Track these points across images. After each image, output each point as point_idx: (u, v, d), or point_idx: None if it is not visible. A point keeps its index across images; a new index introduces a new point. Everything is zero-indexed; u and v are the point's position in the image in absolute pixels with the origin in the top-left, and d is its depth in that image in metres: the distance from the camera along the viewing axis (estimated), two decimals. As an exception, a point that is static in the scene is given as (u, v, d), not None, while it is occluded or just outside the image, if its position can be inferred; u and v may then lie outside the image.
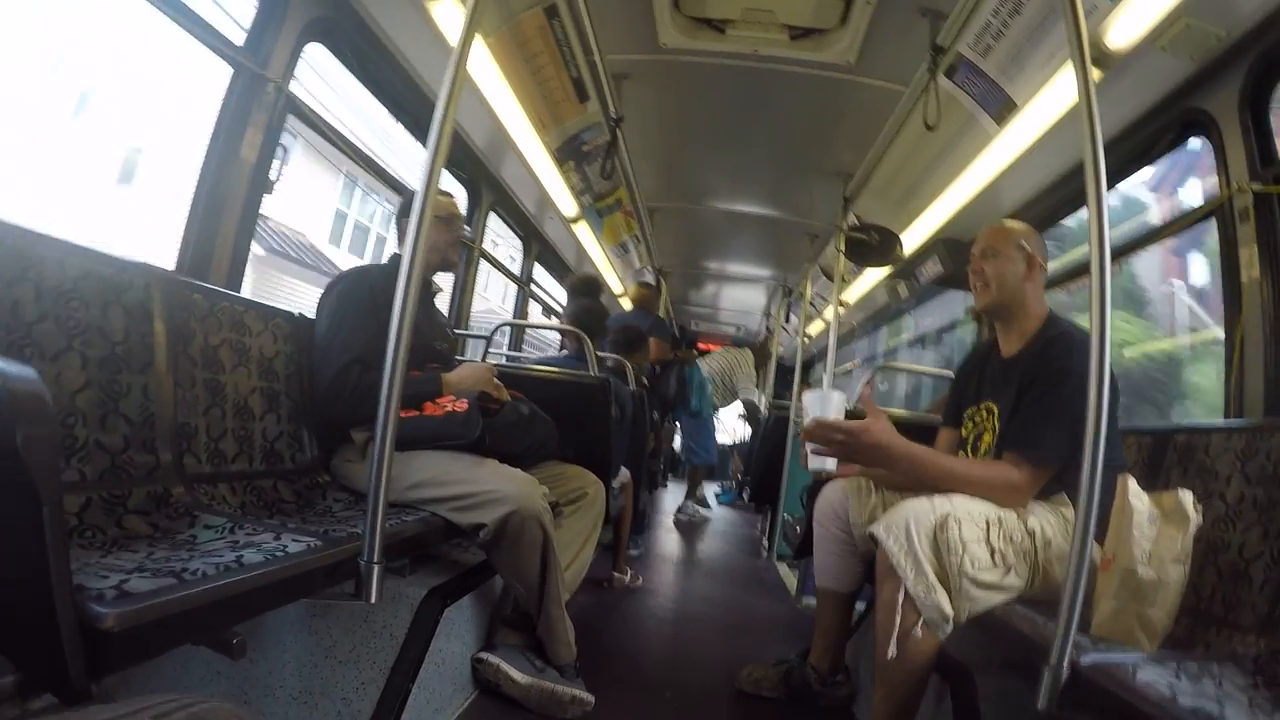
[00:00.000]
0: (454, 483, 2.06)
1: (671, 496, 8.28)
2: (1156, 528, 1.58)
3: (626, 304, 7.82)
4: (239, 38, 2.32)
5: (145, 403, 1.64)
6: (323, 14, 2.51)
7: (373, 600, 1.52)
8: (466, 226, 3.89)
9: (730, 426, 12.73)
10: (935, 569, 1.73)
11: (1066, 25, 1.56)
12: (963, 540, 1.75)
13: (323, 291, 2.33)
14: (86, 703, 0.93)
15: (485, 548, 2.09)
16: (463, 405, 2.17)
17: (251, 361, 2.04)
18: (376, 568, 1.51)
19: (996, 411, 2.15)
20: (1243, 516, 1.73)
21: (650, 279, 7.21)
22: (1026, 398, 1.99)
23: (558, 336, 4.47)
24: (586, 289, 4.51)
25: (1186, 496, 1.60)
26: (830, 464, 2.04)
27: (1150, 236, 2.83)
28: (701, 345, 12.85)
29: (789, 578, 4.71)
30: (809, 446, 2.04)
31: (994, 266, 2.17)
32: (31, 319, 1.41)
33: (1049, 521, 1.89)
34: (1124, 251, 2.95)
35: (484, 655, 2.22)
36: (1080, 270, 3.40)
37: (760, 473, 5.72)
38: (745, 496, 7.44)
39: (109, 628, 0.96)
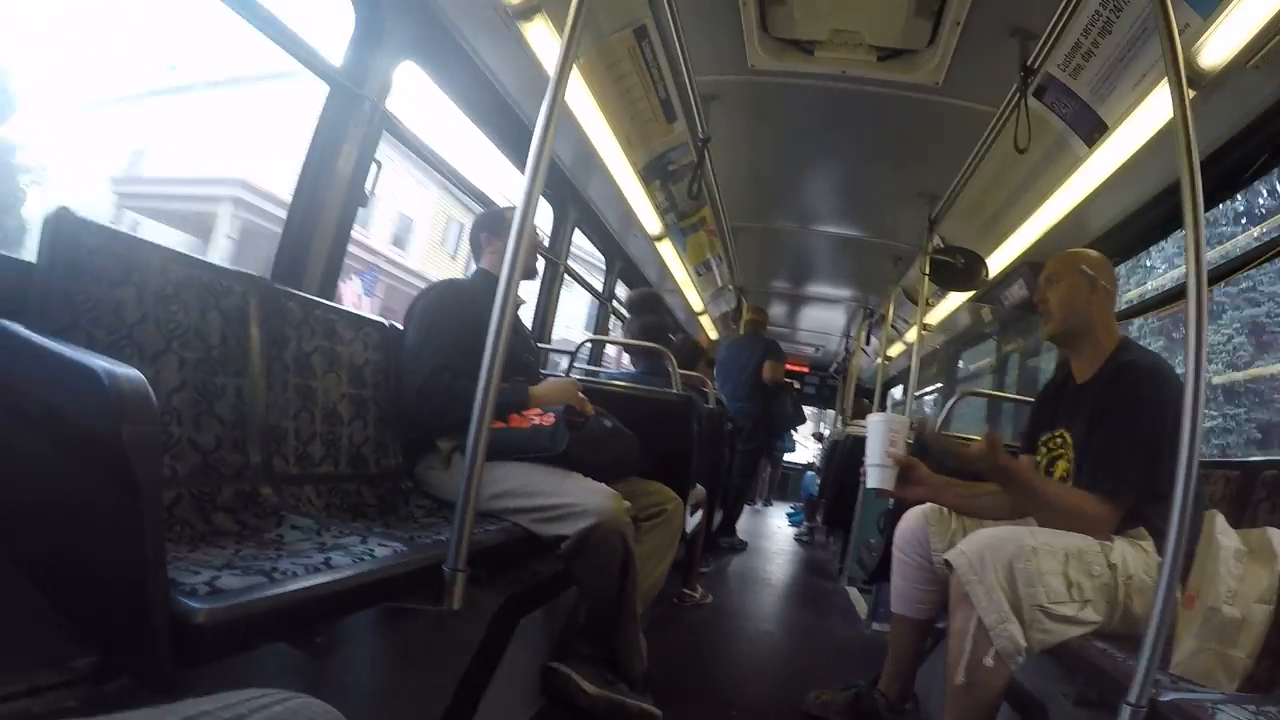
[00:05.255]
0: (538, 494, 2.08)
1: (746, 518, 8.16)
2: (1243, 566, 1.54)
3: (706, 321, 7.80)
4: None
5: (238, 404, 1.69)
6: (417, 33, 2.57)
7: (455, 606, 1.55)
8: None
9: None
10: (1009, 599, 1.71)
11: (1161, 43, 1.53)
12: (1039, 572, 1.72)
13: (410, 302, 2.39)
14: (172, 692, 0.96)
15: (565, 559, 2.08)
16: (549, 419, 2.19)
17: (342, 368, 2.10)
18: (461, 575, 1.54)
19: (1070, 439, 2.12)
20: (1333, 555, 1.64)
21: (735, 300, 7.20)
22: (1098, 429, 1.96)
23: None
24: (650, 305, 4.45)
25: (1275, 534, 1.55)
26: (890, 481, 2.03)
27: (1249, 258, 2.71)
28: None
29: (860, 602, 4.61)
30: (867, 463, 2.05)
31: (1056, 294, 2.16)
32: (133, 320, 1.47)
33: (1131, 556, 1.83)
34: (1221, 275, 2.83)
35: (556, 665, 2.21)
36: (1175, 296, 3.28)
37: (834, 496, 5.64)
38: (819, 518, 7.32)
39: (201, 622, 0.99)
